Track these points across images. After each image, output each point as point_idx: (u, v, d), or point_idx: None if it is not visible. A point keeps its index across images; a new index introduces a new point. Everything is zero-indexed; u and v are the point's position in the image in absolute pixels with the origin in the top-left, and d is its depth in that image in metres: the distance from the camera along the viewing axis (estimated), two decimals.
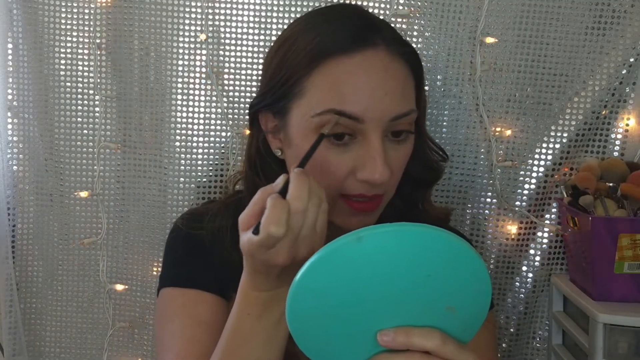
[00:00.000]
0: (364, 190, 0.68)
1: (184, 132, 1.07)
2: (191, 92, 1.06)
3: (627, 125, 1.08)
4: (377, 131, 0.66)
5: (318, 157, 0.66)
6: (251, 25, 1.05)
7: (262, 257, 0.57)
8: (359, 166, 0.67)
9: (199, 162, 1.07)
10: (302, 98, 0.67)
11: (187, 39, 1.05)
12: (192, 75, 1.06)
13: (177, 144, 1.07)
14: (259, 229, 0.55)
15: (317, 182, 0.59)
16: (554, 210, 1.10)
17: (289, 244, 0.56)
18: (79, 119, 1.07)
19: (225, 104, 1.06)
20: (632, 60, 1.05)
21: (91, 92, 1.07)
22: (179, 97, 1.06)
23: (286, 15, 1.04)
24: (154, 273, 1.11)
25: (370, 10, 1.02)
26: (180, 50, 1.05)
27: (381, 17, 0.93)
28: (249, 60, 1.05)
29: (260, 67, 1.03)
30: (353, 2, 1.03)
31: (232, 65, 1.06)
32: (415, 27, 1.04)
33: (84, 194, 1.09)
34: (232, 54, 1.05)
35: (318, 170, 0.67)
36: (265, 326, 0.61)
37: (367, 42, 0.67)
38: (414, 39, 1.04)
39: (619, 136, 1.08)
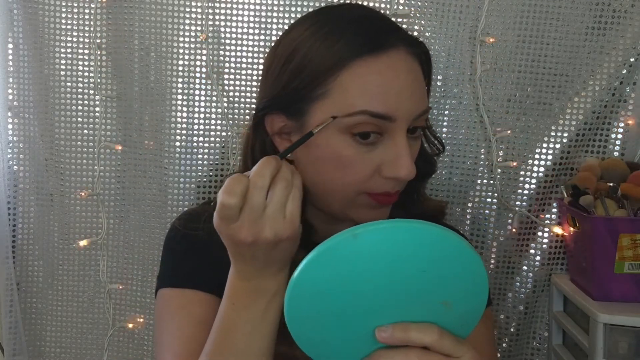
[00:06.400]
0: (389, 187, 0.69)
1: (184, 132, 1.07)
2: (191, 92, 1.06)
3: (627, 125, 1.08)
4: (403, 129, 0.68)
5: (343, 156, 0.67)
6: (251, 25, 1.05)
7: (226, 232, 0.59)
8: (386, 164, 0.68)
9: (199, 162, 1.08)
10: (326, 99, 0.67)
11: (187, 39, 1.05)
12: (192, 75, 1.06)
13: (177, 144, 1.07)
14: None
15: (296, 172, 0.62)
16: (554, 210, 1.10)
17: (249, 218, 0.58)
18: (79, 119, 1.08)
19: (225, 104, 1.06)
20: (632, 60, 1.05)
21: (91, 92, 1.07)
22: (179, 97, 1.06)
23: (286, 15, 1.04)
24: (154, 273, 1.11)
25: None
26: (180, 50, 1.05)
27: None
28: (249, 60, 1.05)
29: (261, 67, 1.03)
30: (353, 2, 1.03)
31: (232, 65, 1.06)
32: (416, 27, 1.04)
33: (84, 194, 1.09)
34: (232, 54, 1.05)
35: (343, 170, 0.68)
36: (249, 317, 0.63)
37: (389, 43, 0.68)
38: None
39: (619, 136, 1.08)
